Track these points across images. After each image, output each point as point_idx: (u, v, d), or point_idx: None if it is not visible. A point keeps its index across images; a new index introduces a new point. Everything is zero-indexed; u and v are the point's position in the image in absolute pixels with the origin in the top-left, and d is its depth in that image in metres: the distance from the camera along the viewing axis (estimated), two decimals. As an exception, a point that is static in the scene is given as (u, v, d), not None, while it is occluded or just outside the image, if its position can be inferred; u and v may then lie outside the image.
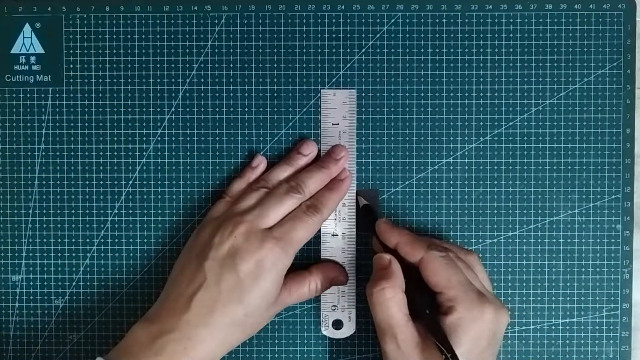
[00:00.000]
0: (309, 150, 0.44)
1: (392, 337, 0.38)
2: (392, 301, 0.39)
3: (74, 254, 0.46)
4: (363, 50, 0.45)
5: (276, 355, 0.45)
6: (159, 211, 0.45)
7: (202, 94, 0.45)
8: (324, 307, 0.45)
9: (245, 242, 0.40)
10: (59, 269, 0.46)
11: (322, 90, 0.45)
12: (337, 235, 0.45)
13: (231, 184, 0.44)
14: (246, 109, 0.45)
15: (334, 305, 0.45)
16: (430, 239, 0.42)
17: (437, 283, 0.39)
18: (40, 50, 0.45)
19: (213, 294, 0.39)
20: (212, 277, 0.39)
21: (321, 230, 0.44)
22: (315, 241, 0.44)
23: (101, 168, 0.45)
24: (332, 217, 0.44)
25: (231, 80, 0.45)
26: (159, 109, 0.45)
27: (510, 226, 0.45)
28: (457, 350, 0.37)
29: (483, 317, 0.37)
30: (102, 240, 0.46)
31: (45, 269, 0.46)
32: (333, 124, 0.44)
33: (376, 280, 0.39)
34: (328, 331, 0.45)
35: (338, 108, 0.45)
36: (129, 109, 0.45)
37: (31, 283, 0.46)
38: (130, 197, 0.45)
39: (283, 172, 0.44)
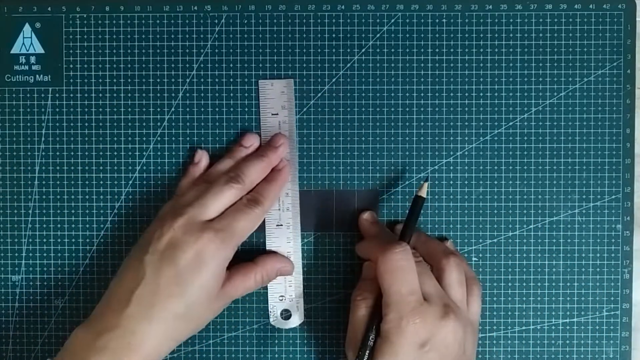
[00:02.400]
0: (250, 142, 0.44)
1: (355, 349, 0.39)
2: (362, 312, 0.39)
3: (74, 254, 0.46)
4: (363, 50, 0.45)
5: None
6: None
7: (202, 94, 0.45)
8: (271, 297, 0.45)
9: (185, 234, 0.39)
10: (59, 269, 0.46)
11: (259, 81, 0.45)
12: (281, 225, 0.45)
13: (179, 183, 0.44)
14: (246, 109, 0.45)
15: (282, 296, 0.45)
16: (416, 237, 0.42)
17: (381, 286, 0.38)
18: (40, 50, 0.45)
19: (153, 287, 0.39)
20: (151, 271, 0.39)
21: (266, 220, 0.44)
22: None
23: (101, 168, 0.45)
24: (276, 207, 0.44)
25: (231, 80, 0.45)
26: (159, 109, 0.45)
27: (510, 226, 0.45)
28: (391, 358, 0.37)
29: (410, 325, 0.37)
30: (102, 240, 0.45)
31: (45, 269, 0.46)
32: (272, 114, 0.45)
33: (361, 289, 0.40)
34: (276, 321, 0.45)
35: (276, 98, 0.45)
36: (129, 109, 0.45)
37: (31, 283, 0.46)
38: (130, 197, 0.45)
39: (225, 166, 0.44)
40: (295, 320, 0.45)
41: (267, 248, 0.45)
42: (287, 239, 0.45)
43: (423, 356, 0.37)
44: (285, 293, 0.45)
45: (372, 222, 0.44)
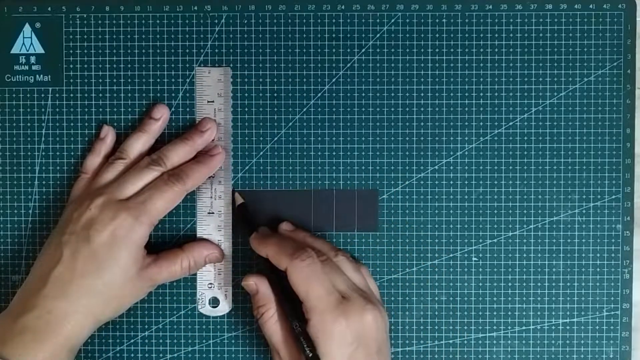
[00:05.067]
0: (160, 114, 0.44)
1: (277, 353, 0.40)
2: (271, 321, 0.40)
3: (74, 254, 0.45)
4: (363, 50, 0.45)
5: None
6: (159, 211, 0.45)
7: (202, 94, 0.45)
8: (200, 285, 0.45)
9: (101, 214, 0.40)
10: (59, 269, 0.45)
11: (196, 68, 0.45)
12: (213, 213, 0.45)
13: (85, 160, 0.44)
14: (246, 109, 0.45)
15: (210, 283, 0.45)
16: (302, 239, 0.42)
17: (298, 294, 0.39)
18: (40, 50, 0.45)
19: (69, 266, 0.39)
20: (68, 251, 0.39)
21: (197, 208, 0.45)
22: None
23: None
24: (207, 195, 0.44)
25: (231, 80, 0.45)
26: (159, 109, 0.45)
27: (510, 226, 0.45)
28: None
29: (336, 325, 0.37)
30: (102, 240, 0.45)
31: (45, 269, 0.45)
32: (208, 102, 0.45)
33: (255, 308, 0.41)
34: (205, 309, 0.45)
35: (213, 85, 0.45)
36: (129, 109, 0.45)
37: (31, 283, 0.45)
38: (130, 197, 0.45)
39: (137, 140, 0.44)
40: (223, 309, 0.45)
41: (197, 235, 0.45)
42: (217, 226, 0.45)
43: (354, 353, 0.37)
44: (214, 281, 0.45)
45: (263, 236, 0.42)
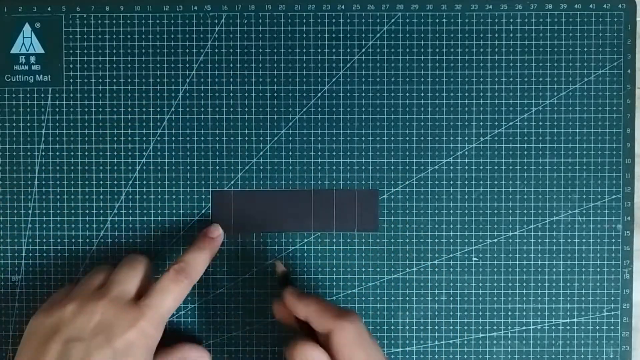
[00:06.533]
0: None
1: None
2: None
3: (73, 254, 0.46)
4: (363, 50, 0.45)
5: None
6: (159, 211, 0.45)
7: (202, 94, 0.45)
8: None
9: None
10: (59, 269, 0.46)
11: None
12: None
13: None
14: (246, 109, 0.45)
15: None
16: (340, 309, 0.40)
17: (339, 358, 0.37)
18: (40, 50, 0.45)
19: None
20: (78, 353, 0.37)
21: None
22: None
23: (101, 168, 0.45)
24: None
25: (231, 80, 0.45)
26: (159, 109, 0.45)
27: (510, 226, 0.45)
28: None
29: None
30: (101, 240, 0.45)
31: (45, 269, 0.46)
32: None
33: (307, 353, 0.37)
34: None
35: None
36: (129, 109, 0.45)
37: (31, 283, 0.46)
38: (130, 197, 0.45)
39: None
40: None
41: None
42: None
43: None
44: None
45: (299, 295, 0.40)
